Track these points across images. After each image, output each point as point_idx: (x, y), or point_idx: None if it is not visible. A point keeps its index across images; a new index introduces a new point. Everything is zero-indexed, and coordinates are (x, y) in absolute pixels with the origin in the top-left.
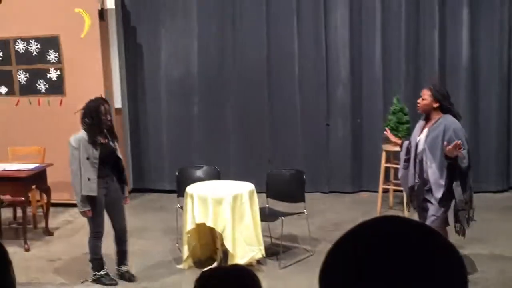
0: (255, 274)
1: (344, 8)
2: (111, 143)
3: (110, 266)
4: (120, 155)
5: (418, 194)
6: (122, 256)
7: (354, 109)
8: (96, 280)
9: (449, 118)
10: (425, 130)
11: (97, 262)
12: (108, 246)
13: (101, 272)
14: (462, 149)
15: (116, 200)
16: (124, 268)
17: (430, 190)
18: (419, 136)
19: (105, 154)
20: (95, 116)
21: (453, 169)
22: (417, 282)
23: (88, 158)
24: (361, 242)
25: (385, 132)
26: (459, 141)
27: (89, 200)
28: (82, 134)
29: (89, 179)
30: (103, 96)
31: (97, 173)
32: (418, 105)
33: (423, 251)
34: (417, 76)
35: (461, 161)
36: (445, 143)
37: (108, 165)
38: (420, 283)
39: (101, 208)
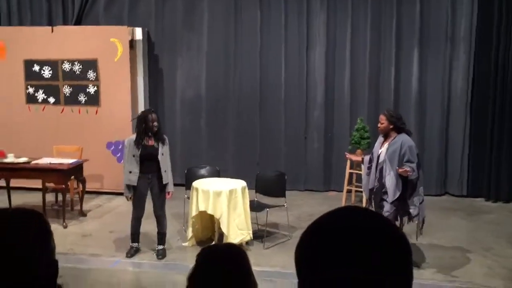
0: (244, 251)
1: (322, 46)
2: (156, 145)
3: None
4: (160, 157)
5: (376, 195)
6: (159, 237)
7: (327, 126)
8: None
9: (404, 136)
10: (386, 145)
11: (132, 236)
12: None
13: (132, 244)
14: (409, 172)
15: (157, 193)
16: (159, 247)
17: (386, 193)
18: (380, 149)
19: (146, 154)
20: (144, 123)
21: (406, 178)
22: (371, 258)
23: (133, 156)
24: (328, 225)
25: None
26: (408, 169)
27: (131, 188)
28: (133, 136)
29: (130, 172)
30: (151, 109)
31: (141, 169)
32: (379, 128)
33: (377, 234)
34: (377, 101)
35: (411, 176)
36: (396, 168)
37: (152, 163)
38: (373, 259)
39: (141, 197)
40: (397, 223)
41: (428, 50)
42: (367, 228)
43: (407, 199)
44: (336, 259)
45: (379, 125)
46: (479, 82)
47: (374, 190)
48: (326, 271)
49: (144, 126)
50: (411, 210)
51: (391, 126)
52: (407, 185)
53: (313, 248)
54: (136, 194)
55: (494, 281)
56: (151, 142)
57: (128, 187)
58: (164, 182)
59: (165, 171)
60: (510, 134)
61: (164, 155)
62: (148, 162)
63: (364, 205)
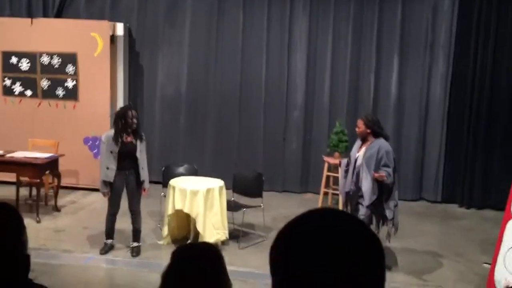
0: (219, 251)
1: (303, 50)
2: (134, 141)
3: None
4: (138, 154)
5: (353, 198)
6: (133, 233)
7: (306, 128)
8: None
9: (382, 141)
10: (363, 149)
11: (107, 232)
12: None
13: (106, 241)
14: (385, 177)
15: (133, 189)
16: (134, 244)
17: (362, 196)
18: (358, 153)
19: (125, 150)
20: (124, 119)
21: (382, 182)
22: (344, 259)
23: (111, 152)
24: (302, 226)
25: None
26: (383, 173)
27: (108, 185)
28: (111, 132)
29: (107, 168)
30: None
31: (118, 165)
32: (357, 132)
33: (350, 235)
34: (356, 106)
35: (386, 180)
36: (373, 173)
37: (129, 160)
38: (346, 260)
39: (118, 193)
40: (372, 226)
41: (408, 57)
42: (341, 229)
43: (383, 202)
44: (309, 259)
45: (356, 129)
46: (456, 89)
47: (351, 193)
48: (299, 271)
49: (123, 123)
50: (386, 213)
51: (368, 131)
52: (382, 189)
53: (287, 248)
54: (112, 191)
55: (465, 286)
56: (130, 138)
57: (105, 183)
58: (141, 179)
59: (142, 168)
60: (485, 142)
61: (141, 152)
62: (126, 158)
63: (340, 207)
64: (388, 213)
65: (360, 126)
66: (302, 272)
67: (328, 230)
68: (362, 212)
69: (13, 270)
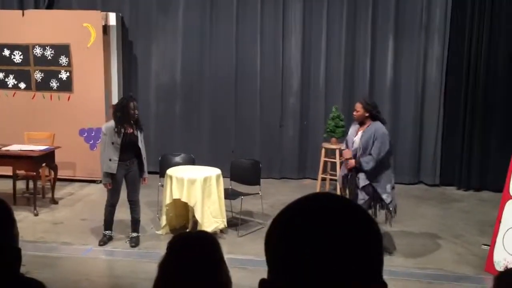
0: (216, 239)
1: (298, 34)
2: (135, 132)
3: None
4: (140, 144)
5: (351, 183)
6: (133, 224)
7: (302, 115)
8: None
9: (378, 124)
10: (360, 133)
11: (105, 224)
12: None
13: (105, 232)
14: (357, 165)
15: (134, 179)
16: (134, 234)
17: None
18: (355, 137)
19: (127, 141)
20: (124, 110)
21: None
22: (343, 246)
23: (113, 143)
24: (296, 211)
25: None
26: (352, 163)
27: (110, 176)
28: (112, 123)
29: (110, 160)
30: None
31: (119, 156)
32: (354, 116)
33: (347, 218)
34: (352, 90)
35: (363, 166)
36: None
37: (130, 151)
38: (346, 247)
39: (118, 184)
40: (371, 211)
41: (403, 40)
42: (336, 213)
43: (378, 185)
44: (304, 244)
45: (354, 113)
46: (452, 71)
47: (348, 177)
48: (294, 256)
49: (125, 114)
50: (383, 197)
51: (366, 114)
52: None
53: (281, 233)
54: (113, 182)
55: (464, 267)
56: (131, 129)
57: (107, 174)
58: (144, 169)
59: (144, 158)
60: (482, 124)
61: (141, 142)
62: (127, 149)
63: (338, 192)
64: (386, 197)
65: (359, 109)
66: (297, 257)
67: (323, 214)
68: (361, 197)
69: (4, 264)
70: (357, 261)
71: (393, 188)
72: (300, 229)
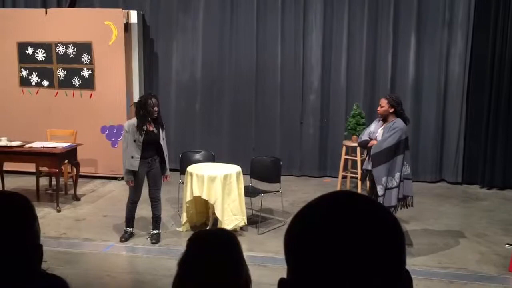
0: (235, 237)
1: (319, 32)
2: (156, 130)
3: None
4: (162, 142)
5: (372, 179)
6: (154, 220)
7: (323, 112)
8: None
9: (399, 121)
10: (382, 129)
11: (127, 220)
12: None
13: (126, 229)
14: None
15: (156, 176)
16: (154, 231)
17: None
18: (376, 134)
19: (149, 139)
20: (144, 108)
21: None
22: (361, 241)
23: (134, 141)
24: (316, 209)
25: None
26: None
27: (132, 173)
28: (134, 121)
29: (132, 157)
30: (152, 93)
31: (141, 154)
32: (378, 111)
33: (369, 218)
34: (373, 88)
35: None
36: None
37: (152, 148)
38: (364, 242)
39: (140, 181)
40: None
41: (425, 36)
42: (358, 211)
43: (375, 172)
44: (324, 243)
45: (378, 108)
46: (476, 68)
47: (371, 171)
48: (314, 255)
49: (144, 111)
50: (378, 188)
51: (391, 110)
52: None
53: (303, 233)
54: (135, 179)
55: (487, 267)
56: (151, 127)
57: (129, 171)
58: (166, 167)
59: (166, 155)
60: (506, 121)
61: (163, 139)
62: (149, 147)
63: (359, 191)
64: (379, 189)
65: (384, 104)
66: (318, 256)
67: (345, 212)
68: (381, 192)
69: (25, 261)
70: (378, 260)
71: (394, 187)
72: (322, 228)
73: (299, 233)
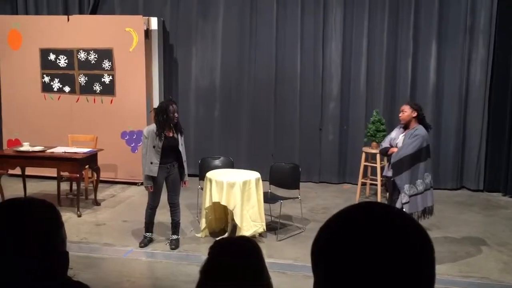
0: (257, 244)
1: (338, 38)
2: (175, 136)
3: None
4: (181, 148)
5: (391, 186)
6: (173, 226)
7: (342, 119)
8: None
9: (421, 128)
10: (403, 135)
11: (146, 226)
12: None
13: (146, 234)
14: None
15: (175, 182)
16: (174, 237)
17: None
18: (397, 140)
19: (168, 145)
20: (166, 114)
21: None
22: (392, 254)
23: (154, 147)
24: (347, 221)
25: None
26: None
27: (151, 179)
28: (153, 126)
29: (151, 163)
30: (171, 98)
31: (160, 160)
32: (400, 117)
33: (398, 230)
34: (393, 94)
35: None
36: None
37: (171, 154)
38: (395, 256)
39: (159, 187)
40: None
41: (446, 42)
42: (388, 226)
43: (397, 180)
44: (352, 254)
45: (400, 114)
46: (497, 75)
47: (392, 178)
48: (342, 266)
49: (164, 117)
50: (401, 195)
51: (414, 115)
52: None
53: (329, 243)
54: (155, 185)
55: (510, 277)
56: (170, 133)
57: (149, 177)
58: (185, 172)
59: (185, 161)
60: None
61: (182, 145)
62: (168, 152)
63: (379, 198)
64: (402, 196)
65: (406, 110)
66: (345, 267)
67: (372, 224)
68: (405, 200)
69: (52, 268)
70: (409, 273)
71: (418, 194)
72: (347, 240)
73: (330, 246)
